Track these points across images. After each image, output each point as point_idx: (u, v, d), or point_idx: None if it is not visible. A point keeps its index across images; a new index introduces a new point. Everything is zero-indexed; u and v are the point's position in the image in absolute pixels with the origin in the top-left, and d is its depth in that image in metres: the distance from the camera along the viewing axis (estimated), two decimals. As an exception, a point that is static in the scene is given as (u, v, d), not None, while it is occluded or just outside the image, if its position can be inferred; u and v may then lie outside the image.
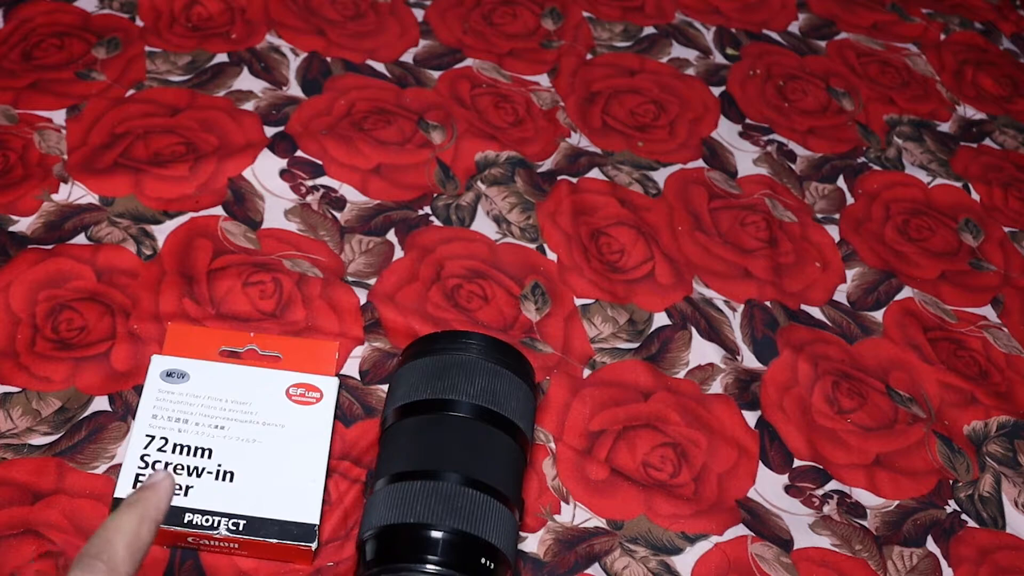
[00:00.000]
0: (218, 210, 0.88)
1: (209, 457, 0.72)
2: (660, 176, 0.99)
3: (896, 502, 0.81)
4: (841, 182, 1.03)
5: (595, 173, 0.98)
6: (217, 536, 0.68)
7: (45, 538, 0.69)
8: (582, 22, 1.12)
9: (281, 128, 0.94)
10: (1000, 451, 0.86)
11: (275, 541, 0.69)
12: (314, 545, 0.69)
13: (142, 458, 0.71)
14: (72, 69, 0.95)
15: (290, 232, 0.88)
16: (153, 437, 0.72)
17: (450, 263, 0.88)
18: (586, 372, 0.84)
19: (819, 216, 0.99)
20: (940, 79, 1.17)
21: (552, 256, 0.91)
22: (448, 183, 0.94)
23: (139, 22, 1.01)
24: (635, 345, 0.86)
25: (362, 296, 0.85)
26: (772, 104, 1.09)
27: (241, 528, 0.69)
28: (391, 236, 0.89)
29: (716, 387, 0.85)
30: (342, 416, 0.78)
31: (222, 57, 0.99)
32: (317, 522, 0.70)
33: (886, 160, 1.06)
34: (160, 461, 0.71)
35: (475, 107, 1.01)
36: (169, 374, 0.75)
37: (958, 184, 1.06)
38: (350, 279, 0.86)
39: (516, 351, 0.73)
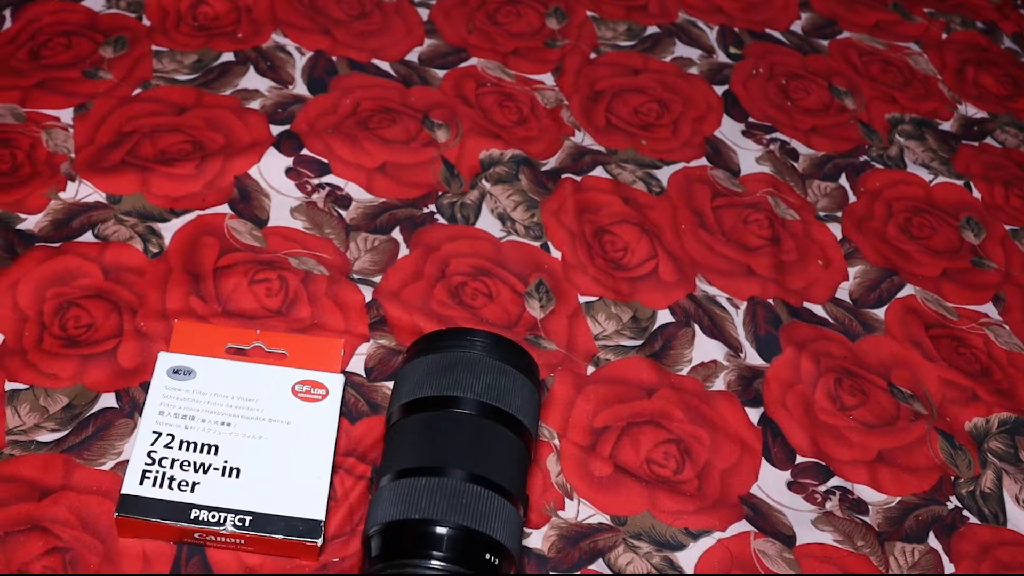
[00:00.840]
0: (224, 208, 0.88)
1: (215, 453, 0.72)
2: (663, 174, 0.99)
3: (898, 498, 0.82)
4: (843, 180, 1.03)
5: (599, 171, 0.98)
6: (223, 532, 0.69)
7: (52, 534, 0.69)
8: (586, 21, 1.12)
9: (287, 127, 0.95)
10: (1001, 448, 0.86)
11: (281, 537, 0.69)
12: (320, 541, 0.69)
13: (149, 454, 0.71)
14: (79, 68, 0.96)
15: (296, 230, 0.88)
16: (160, 434, 0.72)
17: (455, 261, 0.88)
18: (590, 369, 0.84)
19: (821, 214, 1.00)
20: (942, 78, 1.17)
21: (556, 254, 0.91)
22: (453, 181, 0.94)
23: (146, 21, 1.01)
24: (639, 342, 0.87)
25: (367, 294, 0.85)
26: (775, 103, 1.09)
27: (247, 524, 0.69)
28: (396, 234, 0.89)
29: (719, 384, 0.85)
30: (347, 413, 0.78)
31: (228, 56, 1.00)
32: (323, 518, 0.70)
33: (888, 158, 1.07)
34: (167, 457, 0.71)
35: (480, 106, 1.01)
36: (176, 371, 0.76)
37: (959, 182, 1.06)
38: (355, 277, 0.86)
39: (520, 348, 0.73)
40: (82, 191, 0.87)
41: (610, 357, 0.85)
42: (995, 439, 0.87)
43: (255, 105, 0.96)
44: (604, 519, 0.76)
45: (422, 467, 0.66)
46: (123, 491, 0.69)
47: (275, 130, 0.94)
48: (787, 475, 0.81)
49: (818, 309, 0.92)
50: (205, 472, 0.71)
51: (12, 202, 0.85)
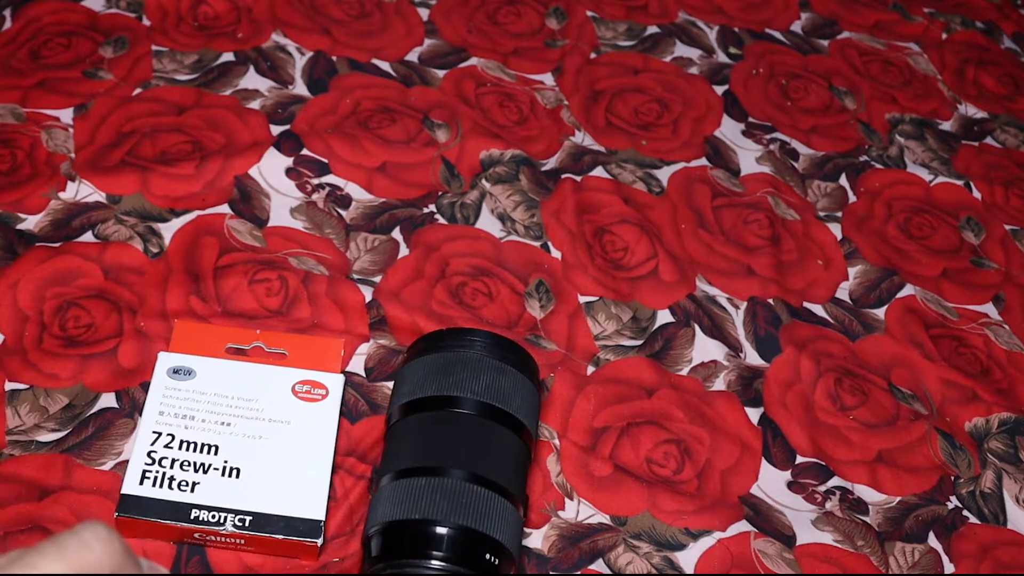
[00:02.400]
0: (224, 208, 0.88)
1: (215, 453, 0.72)
2: (663, 174, 1.00)
3: (898, 498, 0.82)
4: (843, 180, 1.03)
5: (599, 171, 0.98)
6: (223, 532, 0.69)
7: (52, 534, 0.69)
8: (586, 21, 1.12)
9: (287, 127, 0.95)
10: (1001, 447, 0.86)
11: (281, 537, 0.69)
12: (320, 541, 0.69)
13: (149, 454, 0.71)
14: (79, 68, 0.96)
15: (296, 230, 0.88)
16: (160, 434, 0.72)
17: (455, 261, 0.89)
18: (590, 369, 0.84)
19: (821, 214, 1.00)
20: (942, 78, 1.17)
21: (556, 254, 0.91)
22: (453, 181, 0.94)
23: (146, 21, 1.01)
24: (639, 342, 0.87)
25: (367, 293, 0.85)
26: (775, 103, 1.09)
27: (247, 524, 0.69)
28: (396, 234, 0.90)
29: (719, 384, 0.85)
30: (347, 413, 0.78)
31: (228, 56, 1.00)
32: (323, 518, 0.70)
33: (888, 158, 1.07)
34: (167, 457, 0.71)
35: (480, 106, 1.01)
36: (176, 371, 0.76)
37: (959, 182, 1.06)
38: (355, 277, 0.86)
39: (520, 348, 0.73)
40: (82, 191, 0.87)
41: (610, 357, 0.85)
42: (995, 439, 0.87)
43: (255, 105, 0.96)
44: (604, 519, 0.77)
45: (422, 467, 0.66)
46: (123, 491, 0.69)
47: (275, 130, 0.94)
48: (787, 475, 0.81)
49: (818, 309, 0.92)
50: (205, 472, 0.71)
51: (12, 202, 0.85)
